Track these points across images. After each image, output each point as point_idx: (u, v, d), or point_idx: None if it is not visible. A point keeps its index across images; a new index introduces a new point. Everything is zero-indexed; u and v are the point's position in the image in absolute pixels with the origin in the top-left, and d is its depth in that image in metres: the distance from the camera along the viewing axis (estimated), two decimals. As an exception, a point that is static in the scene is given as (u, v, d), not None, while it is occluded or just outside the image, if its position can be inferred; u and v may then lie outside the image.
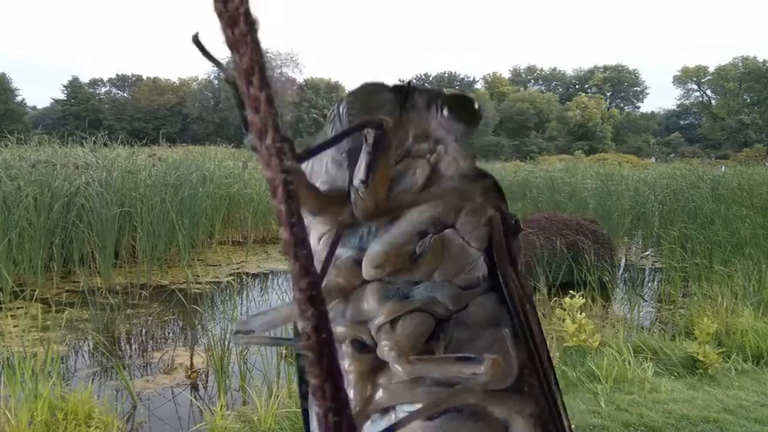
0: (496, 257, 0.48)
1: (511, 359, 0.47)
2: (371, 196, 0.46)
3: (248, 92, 0.22)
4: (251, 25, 0.23)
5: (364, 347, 0.48)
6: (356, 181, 0.47)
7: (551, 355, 0.53)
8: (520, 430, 0.47)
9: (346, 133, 0.47)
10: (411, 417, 0.47)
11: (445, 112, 0.49)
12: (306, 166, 0.49)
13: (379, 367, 0.48)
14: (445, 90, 0.51)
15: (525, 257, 0.52)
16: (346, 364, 0.49)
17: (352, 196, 0.47)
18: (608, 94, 46.88)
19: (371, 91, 0.49)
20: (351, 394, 0.48)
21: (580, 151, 31.33)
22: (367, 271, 0.47)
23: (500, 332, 0.47)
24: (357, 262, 0.48)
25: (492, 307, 0.48)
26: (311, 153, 0.45)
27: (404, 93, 0.49)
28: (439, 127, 0.49)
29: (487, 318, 0.48)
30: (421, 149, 0.49)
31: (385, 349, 0.47)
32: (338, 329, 0.48)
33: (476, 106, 0.51)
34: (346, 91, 0.51)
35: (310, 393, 0.34)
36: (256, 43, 0.23)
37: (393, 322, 0.48)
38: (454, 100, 0.50)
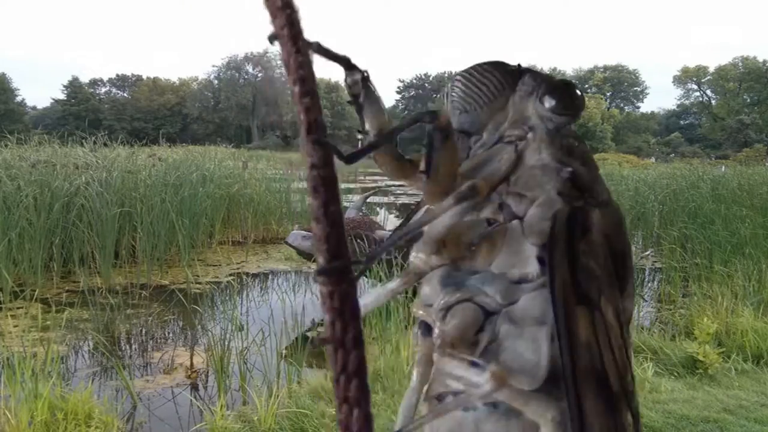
0: (548, 255, 0.47)
1: (534, 364, 0.46)
2: (434, 186, 0.47)
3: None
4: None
5: (429, 330, 0.49)
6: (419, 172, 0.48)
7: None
8: None
9: (399, 129, 0.47)
10: (420, 420, 0.47)
11: (546, 101, 0.49)
12: None
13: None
14: (546, 76, 0.50)
15: (602, 259, 0.47)
16: (415, 344, 0.51)
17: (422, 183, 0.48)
18: (608, 94, 46.89)
19: (482, 72, 0.49)
20: (414, 374, 0.50)
21: (580, 151, 31.28)
22: (422, 257, 0.47)
23: (543, 331, 0.46)
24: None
25: (541, 305, 0.47)
26: (363, 151, 0.44)
27: (515, 75, 0.49)
28: (535, 114, 0.49)
29: (534, 315, 0.47)
30: (514, 135, 0.49)
31: (434, 337, 0.48)
32: (413, 310, 0.51)
33: (579, 96, 0.49)
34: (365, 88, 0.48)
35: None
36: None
37: (447, 310, 0.49)
38: (557, 89, 0.48)
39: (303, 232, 4.91)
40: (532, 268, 0.47)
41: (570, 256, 0.46)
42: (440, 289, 0.49)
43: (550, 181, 0.48)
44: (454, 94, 0.50)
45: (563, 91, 0.49)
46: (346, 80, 0.48)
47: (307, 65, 0.34)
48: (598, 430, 0.46)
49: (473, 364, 0.47)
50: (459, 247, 0.48)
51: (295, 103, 0.36)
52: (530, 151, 0.48)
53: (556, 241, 0.46)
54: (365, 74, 0.48)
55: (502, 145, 0.49)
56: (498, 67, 0.50)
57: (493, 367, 0.45)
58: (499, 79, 0.49)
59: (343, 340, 0.32)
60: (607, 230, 0.48)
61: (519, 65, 0.50)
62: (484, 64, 0.50)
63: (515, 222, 0.48)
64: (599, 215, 0.48)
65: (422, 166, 0.47)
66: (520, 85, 0.49)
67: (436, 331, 0.48)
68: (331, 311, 0.33)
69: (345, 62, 0.47)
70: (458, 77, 0.50)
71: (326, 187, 0.34)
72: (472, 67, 0.50)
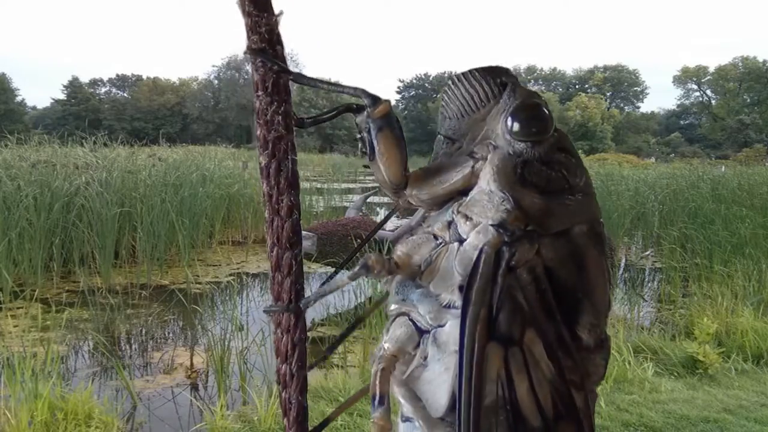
0: (465, 288, 0.46)
1: (440, 392, 0.47)
2: (378, 170, 0.47)
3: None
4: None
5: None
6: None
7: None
8: None
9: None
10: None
11: (508, 123, 0.46)
12: None
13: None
14: (521, 94, 0.47)
15: (534, 294, 0.46)
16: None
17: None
18: (608, 94, 46.87)
19: (471, 80, 0.48)
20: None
21: (580, 151, 31.10)
22: (372, 256, 0.48)
23: (455, 362, 0.46)
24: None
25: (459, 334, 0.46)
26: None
27: (501, 88, 0.48)
28: (501, 136, 0.47)
29: (454, 342, 0.46)
30: (479, 153, 0.48)
31: (378, 348, 0.50)
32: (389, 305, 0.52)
33: (542, 121, 0.46)
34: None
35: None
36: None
37: (392, 321, 0.50)
38: (520, 112, 0.46)
39: (303, 232, 4.90)
40: (457, 295, 0.47)
41: (490, 292, 0.45)
42: (393, 296, 0.51)
43: (491, 210, 0.46)
44: (445, 98, 0.50)
45: (524, 113, 0.46)
46: (355, 120, 0.49)
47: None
48: None
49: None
50: (410, 267, 0.49)
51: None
52: (484, 174, 0.47)
53: (475, 276, 0.45)
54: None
55: (464, 159, 0.48)
56: (489, 75, 0.48)
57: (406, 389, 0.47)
58: (486, 90, 0.48)
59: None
60: (552, 263, 0.46)
61: (506, 77, 0.48)
62: (478, 70, 0.49)
63: (455, 245, 0.48)
64: (546, 247, 0.46)
65: (365, 148, 0.48)
66: (501, 99, 0.48)
67: (383, 341, 0.50)
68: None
69: (346, 109, 0.49)
70: (449, 82, 0.50)
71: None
72: (463, 73, 0.49)
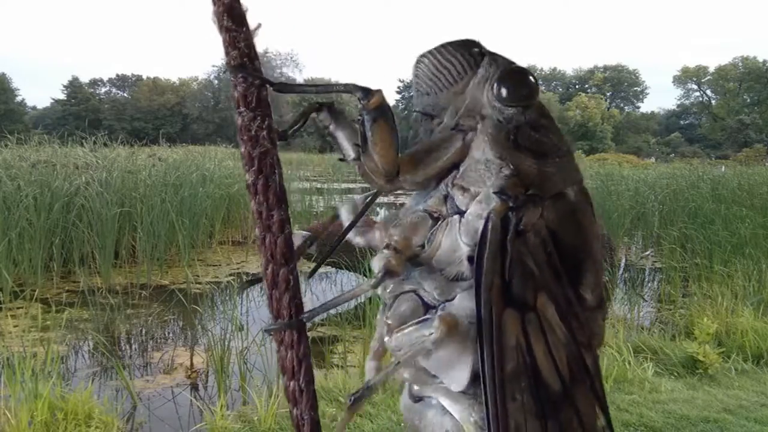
0: (476, 257, 0.46)
1: (460, 365, 0.47)
2: (370, 161, 0.47)
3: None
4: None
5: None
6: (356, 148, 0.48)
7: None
8: None
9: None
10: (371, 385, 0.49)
11: (495, 90, 0.46)
12: None
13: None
14: (502, 62, 0.47)
15: (543, 256, 0.46)
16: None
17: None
18: (608, 94, 46.87)
19: (445, 53, 0.48)
20: (372, 346, 0.54)
21: (580, 151, 31.33)
22: (387, 255, 0.48)
23: (472, 333, 0.46)
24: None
25: (472, 305, 0.46)
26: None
27: (478, 59, 0.48)
28: (487, 103, 0.47)
29: (467, 315, 0.46)
30: (466, 124, 0.48)
31: (381, 324, 0.50)
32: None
33: (528, 85, 0.46)
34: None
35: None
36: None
37: (395, 299, 0.50)
38: (506, 78, 0.46)
39: (303, 232, 4.88)
40: (466, 266, 0.47)
41: (501, 259, 0.45)
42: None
43: (490, 178, 0.46)
44: (418, 74, 0.49)
45: (512, 79, 0.46)
46: (317, 120, 0.49)
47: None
48: (531, 430, 0.46)
49: (419, 323, 0.48)
50: (411, 249, 0.49)
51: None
52: (476, 143, 0.47)
53: (484, 244, 0.45)
54: (329, 106, 0.49)
55: (452, 133, 0.48)
56: (462, 48, 0.48)
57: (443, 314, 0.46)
58: (461, 62, 0.47)
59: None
60: (554, 224, 0.46)
61: (480, 48, 0.48)
62: (450, 44, 0.48)
63: (456, 217, 0.48)
64: (547, 209, 0.46)
65: (358, 141, 0.48)
66: (479, 69, 0.47)
67: (384, 318, 0.50)
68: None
69: (310, 109, 0.49)
70: (423, 56, 0.49)
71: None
72: (436, 48, 0.48)
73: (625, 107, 47.57)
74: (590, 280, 0.48)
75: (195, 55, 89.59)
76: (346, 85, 0.47)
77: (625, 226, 7.99)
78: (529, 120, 0.47)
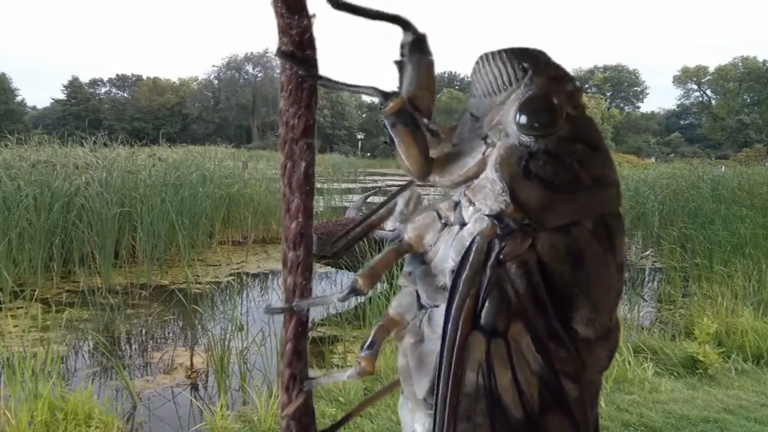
0: (453, 276, 0.46)
1: (423, 373, 0.48)
2: (401, 161, 0.48)
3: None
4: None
5: None
6: None
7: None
8: None
9: (351, 86, 0.49)
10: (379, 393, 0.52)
11: (517, 115, 0.45)
12: None
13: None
14: (538, 85, 0.45)
15: (524, 288, 0.45)
16: None
17: None
18: (608, 94, 46.88)
19: (497, 60, 0.47)
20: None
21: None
22: (358, 274, 0.49)
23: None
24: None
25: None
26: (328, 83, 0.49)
27: (524, 73, 0.46)
28: (511, 123, 0.46)
29: (442, 326, 0.47)
30: (492, 138, 0.47)
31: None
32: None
33: (549, 117, 0.45)
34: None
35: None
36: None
37: (401, 288, 0.52)
38: (529, 104, 0.45)
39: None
40: (448, 279, 0.47)
41: (478, 282, 0.45)
42: (405, 266, 0.52)
43: (491, 199, 0.46)
44: (473, 72, 0.48)
45: (532, 107, 0.45)
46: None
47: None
48: None
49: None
50: (423, 247, 0.50)
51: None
52: (491, 161, 0.46)
53: (465, 264, 0.45)
54: (416, 38, 0.49)
55: (479, 142, 0.48)
56: (515, 59, 0.46)
57: (361, 358, 0.47)
58: (509, 73, 0.46)
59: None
60: (548, 258, 0.45)
61: (526, 66, 0.46)
62: (507, 51, 0.47)
63: (456, 228, 0.48)
64: (543, 241, 0.45)
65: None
66: (521, 86, 0.46)
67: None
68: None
69: (400, 22, 0.50)
70: (481, 57, 0.48)
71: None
72: (495, 51, 0.47)
73: (625, 107, 47.58)
74: (582, 315, 0.46)
75: (195, 55, 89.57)
76: (368, 88, 0.47)
77: (625, 226, 7.98)
78: (547, 148, 0.45)
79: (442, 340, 0.45)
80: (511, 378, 0.45)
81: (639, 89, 48.45)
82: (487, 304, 0.45)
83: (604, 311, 0.48)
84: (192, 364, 3.57)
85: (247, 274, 6.10)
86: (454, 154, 0.49)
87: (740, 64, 42.53)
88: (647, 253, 7.66)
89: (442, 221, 0.49)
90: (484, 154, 0.47)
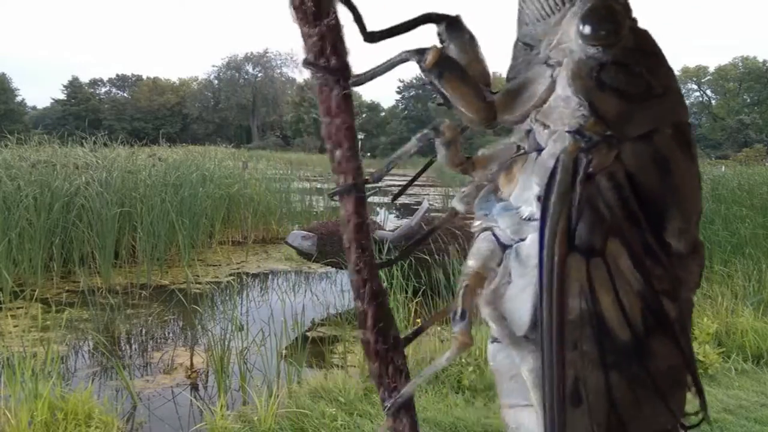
0: (543, 198, 0.44)
1: (522, 308, 0.45)
2: (461, 113, 0.46)
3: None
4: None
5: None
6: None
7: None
8: (523, 380, 0.47)
9: (388, 65, 0.48)
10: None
11: (579, 26, 0.44)
12: None
13: None
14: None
15: (616, 201, 0.43)
16: None
17: None
18: (608, 94, 46.80)
19: None
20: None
21: (580, 151, 31.29)
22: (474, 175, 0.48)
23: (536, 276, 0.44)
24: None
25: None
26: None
27: None
28: (575, 39, 0.45)
29: (536, 255, 0.45)
30: (555, 59, 0.46)
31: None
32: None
33: (612, 23, 0.44)
34: None
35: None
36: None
37: (477, 237, 0.49)
38: (591, 14, 0.44)
39: (303, 232, 4.90)
40: (536, 206, 0.46)
41: (568, 201, 0.43)
42: (477, 211, 0.50)
43: (568, 116, 0.45)
44: (520, 1, 0.48)
45: (595, 17, 0.44)
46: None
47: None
48: (593, 381, 0.44)
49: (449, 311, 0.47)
50: (486, 168, 0.48)
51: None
52: (560, 79, 0.45)
53: (552, 185, 0.44)
54: (450, 19, 0.48)
55: (542, 68, 0.46)
56: None
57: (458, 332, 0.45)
58: None
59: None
60: (634, 168, 0.44)
61: None
62: None
63: (533, 154, 0.47)
64: (627, 152, 0.44)
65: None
66: (577, 1, 0.45)
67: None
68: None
69: (431, 19, 0.49)
70: None
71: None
72: None
73: (625, 107, 47.54)
74: (675, 226, 0.45)
75: (195, 55, 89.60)
76: (399, 55, 0.46)
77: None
78: (616, 58, 0.44)
79: (539, 268, 0.43)
80: (614, 299, 0.44)
81: (639, 89, 48.41)
82: (581, 222, 0.43)
83: (693, 221, 0.47)
84: (192, 364, 3.57)
85: (247, 274, 6.11)
86: (515, 87, 0.47)
87: (740, 64, 42.53)
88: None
89: (519, 151, 0.48)
90: (552, 76, 0.46)
